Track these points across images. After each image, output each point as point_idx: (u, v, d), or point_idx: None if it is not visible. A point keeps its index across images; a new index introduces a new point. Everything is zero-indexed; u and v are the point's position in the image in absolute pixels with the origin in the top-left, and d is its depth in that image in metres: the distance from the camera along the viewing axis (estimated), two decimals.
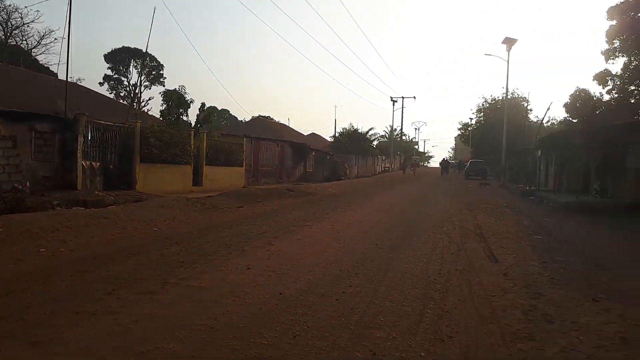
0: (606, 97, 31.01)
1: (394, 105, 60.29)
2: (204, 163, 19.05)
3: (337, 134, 52.30)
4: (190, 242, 8.15)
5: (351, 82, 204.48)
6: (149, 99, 26.75)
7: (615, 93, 29.78)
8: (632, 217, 12.92)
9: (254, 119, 55.89)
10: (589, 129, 21.84)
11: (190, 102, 27.55)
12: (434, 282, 5.93)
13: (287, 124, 59.70)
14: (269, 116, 63.96)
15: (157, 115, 28.37)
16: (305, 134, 56.95)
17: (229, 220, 11.03)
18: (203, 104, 25.73)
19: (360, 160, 50.04)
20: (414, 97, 62.37)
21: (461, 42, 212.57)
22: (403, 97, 61.12)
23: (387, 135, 68.96)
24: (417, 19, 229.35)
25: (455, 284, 5.87)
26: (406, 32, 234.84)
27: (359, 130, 50.93)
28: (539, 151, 25.00)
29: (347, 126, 51.78)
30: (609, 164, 17.59)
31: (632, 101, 28.42)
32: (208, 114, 25.26)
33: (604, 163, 18.05)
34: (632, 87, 28.73)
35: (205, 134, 20.19)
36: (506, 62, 34.07)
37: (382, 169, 60.97)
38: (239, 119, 66.75)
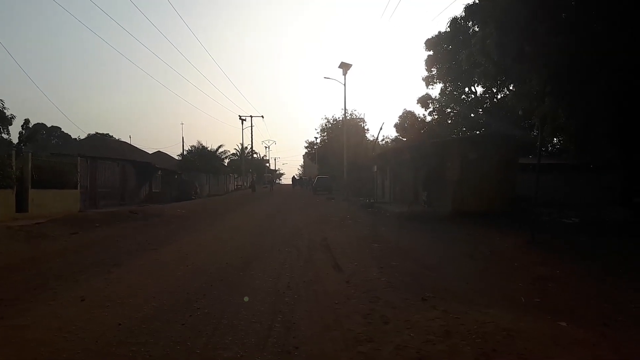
0: (429, 118, 35.27)
1: (242, 123, 60.50)
2: (30, 186, 16.85)
3: (185, 152, 50.66)
4: (10, 276, 7.14)
5: (199, 100, 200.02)
6: None
7: (436, 114, 34.06)
8: (451, 224, 14.79)
9: (90, 137, 51.24)
10: (414, 146, 24.49)
11: (11, 118, 24.31)
12: (282, 295, 6.07)
13: (129, 142, 55.99)
14: (107, 134, 59.35)
15: None
16: (150, 152, 53.93)
17: (60, 249, 9.91)
18: (27, 121, 22.83)
19: (212, 179, 49.11)
20: (262, 116, 63.38)
21: (305, 65, 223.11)
22: (252, 116, 61.70)
23: (238, 154, 68.88)
24: (263, 42, 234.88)
25: (303, 295, 6.08)
26: (253, 54, 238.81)
27: (209, 149, 50.04)
28: (375, 167, 27.27)
29: (195, 144, 50.46)
30: (432, 177, 19.91)
31: (449, 122, 32.73)
32: (34, 131, 22.52)
33: (428, 176, 20.37)
34: (449, 110, 33.12)
35: (30, 153, 17.90)
36: (343, 85, 36.60)
37: (235, 187, 60.56)
38: (73, 136, 60.69)
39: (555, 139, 24.79)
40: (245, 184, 62.99)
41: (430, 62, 31.93)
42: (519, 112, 14.02)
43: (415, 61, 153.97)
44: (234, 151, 71.08)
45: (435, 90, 34.13)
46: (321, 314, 5.25)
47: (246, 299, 5.83)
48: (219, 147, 52.98)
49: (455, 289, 6.55)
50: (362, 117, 54.38)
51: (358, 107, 79.22)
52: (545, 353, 4.16)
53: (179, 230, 13.65)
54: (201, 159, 47.42)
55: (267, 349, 4.16)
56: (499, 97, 29.74)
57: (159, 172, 35.56)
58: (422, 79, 33.27)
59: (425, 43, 31.40)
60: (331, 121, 56.66)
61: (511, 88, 15.96)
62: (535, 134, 14.47)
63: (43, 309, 5.36)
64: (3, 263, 8.27)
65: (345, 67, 35.71)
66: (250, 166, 69.25)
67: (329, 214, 19.36)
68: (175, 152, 62.90)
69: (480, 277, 7.42)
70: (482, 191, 17.06)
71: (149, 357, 3.93)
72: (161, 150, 58.39)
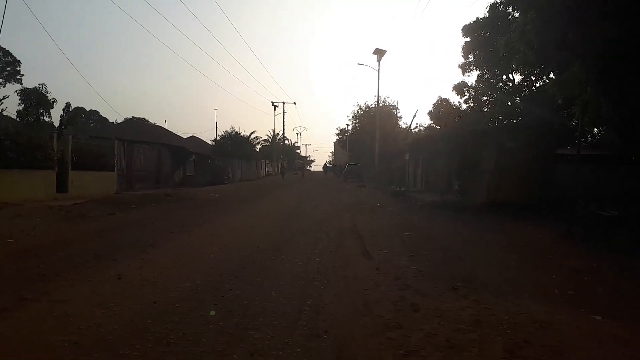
0: (464, 106, 34.55)
1: (275, 109, 60.90)
2: (70, 168, 17.46)
3: (218, 138, 51.37)
4: (53, 253, 7.44)
5: (232, 87, 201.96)
6: (3, 98, 23.69)
7: (471, 102, 33.32)
8: (485, 214, 14.55)
9: (127, 121, 52.57)
10: (449, 134, 24.10)
11: (53, 102, 25.11)
12: (312, 280, 6.13)
13: (165, 127, 57.17)
14: (144, 118, 60.71)
15: (14, 116, 25.41)
16: (185, 137, 55.02)
17: (98, 229, 10.26)
18: (68, 104, 23.63)
19: (244, 164, 49.72)
20: (294, 103, 64.00)
21: (339, 51, 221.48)
22: (284, 103, 62.07)
23: (270, 140, 69.41)
24: (296, 28, 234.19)
25: (332, 280, 6.13)
26: (287, 40, 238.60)
27: (241, 134, 50.61)
28: (407, 155, 27.00)
29: (229, 130, 51.08)
30: (465, 166, 19.57)
31: (485, 110, 31.98)
32: (74, 115, 23.26)
33: (461, 165, 20.03)
34: (485, 97, 32.34)
35: (70, 136, 18.53)
36: (377, 72, 36.26)
37: (266, 173, 61.17)
38: (110, 120, 62.34)
39: (595, 129, 23.93)
40: (276, 170, 63.53)
41: (467, 49, 31.19)
42: (559, 101, 13.55)
43: (451, 48, 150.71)
44: (266, 137, 71.68)
45: (472, 78, 33.39)
46: (351, 299, 5.28)
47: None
48: (252, 133, 53.69)
49: (487, 279, 6.46)
50: (395, 104, 53.89)
51: (391, 95, 78.39)
52: (578, 346, 4.07)
53: (212, 214, 13.91)
54: (234, 144, 48.03)
55: (297, 332, 4.22)
56: (537, 85, 28.84)
57: (193, 157, 36.20)
58: (459, 66, 32.58)
59: (462, 29, 30.66)
60: (363, 108, 56.33)
61: (551, 76, 15.42)
62: (574, 123, 13.98)
63: (83, 286, 5.58)
64: (46, 241, 8.62)
65: (379, 53, 35.38)
66: (281, 152, 69.74)
67: (359, 201, 19.36)
68: (209, 137, 64.03)
69: (513, 268, 7.30)
70: (518, 181, 16.66)
71: (182, 335, 4.05)
72: (195, 135, 59.51)
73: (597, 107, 10.70)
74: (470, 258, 8.02)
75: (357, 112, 57.14)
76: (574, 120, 15.70)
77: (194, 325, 4.31)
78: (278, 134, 68.73)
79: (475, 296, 5.49)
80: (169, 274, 6.23)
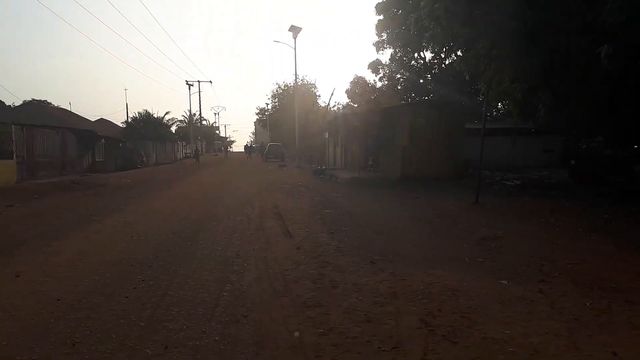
0: (379, 84, 35.36)
1: (190, 89, 58.58)
2: None
3: (130, 120, 48.62)
4: None
5: (144, 65, 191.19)
6: None
7: (386, 80, 34.18)
8: (400, 188, 15.09)
9: (26, 104, 48.08)
10: (365, 112, 24.57)
11: None
12: (231, 264, 5.98)
13: (69, 109, 53.08)
14: (45, 100, 55.88)
15: None
16: (93, 120, 51.45)
17: None
18: None
19: (159, 146, 47.56)
20: (210, 82, 61.48)
21: (253, 28, 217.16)
22: (199, 81, 59.79)
23: (186, 121, 66.87)
24: (210, 5, 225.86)
25: (252, 263, 6.02)
26: (200, 16, 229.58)
27: (155, 115, 48.23)
28: (327, 133, 27.23)
29: (141, 111, 48.42)
30: (381, 143, 20.12)
31: (399, 87, 32.98)
32: None
33: (377, 142, 20.56)
34: (398, 76, 33.31)
35: None
36: (294, 49, 35.92)
37: (184, 155, 59.02)
38: (7, 104, 56.77)
39: (500, 104, 25.54)
40: (193, 152, 61.56)
41: (380, 27, 31.75)
42: (466, 77, 14.26)
43: (366, 26, 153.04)
44: (182, 118, 68.98)
45: (386, 56, 34.24)
46: (270, 281, 5.21)
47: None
48: (166, 113, 51.10)
49: (403, 252, 6.67)
50: (314, 82, 53.94)
51: (309, 73, 78.44)
52: (487, 310, 4.32)
53: (124, 200, 13.17)
54: (147, 126, 45.64)
55: (215, 319, 4.09)
56: (447, 63, 30.12)
57: (103, 141, 34.00)
58: (373, 44, 33.16)
59: (375, 7, 31.09)
60: (282, 87, 55.82)
61: (459, 53, 16.16)
62: (481, 99, 14.81)
63: None
64: None
65: (295, 30, 34.93)
66: (199, 133, 67.53)
67: (280, 182, 19.25)
68: (119, 119, 60.28)
69: (427, 239, 7.60)
70: (430, 156, 17.44)
71: (89, 333, 3.77)
72: (104, 117, 55.85)
73: (499, 82, 11.35)
74: (387, 232, 8.25)
75: (277, 91, 56.57)
76: (480, 95, 16.58)
77: (102, 321, 4.03)
78: (195, 114, 66.37)
79: (391, 269, 5.65)
80: (75, 268, 5.79)
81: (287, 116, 46.06)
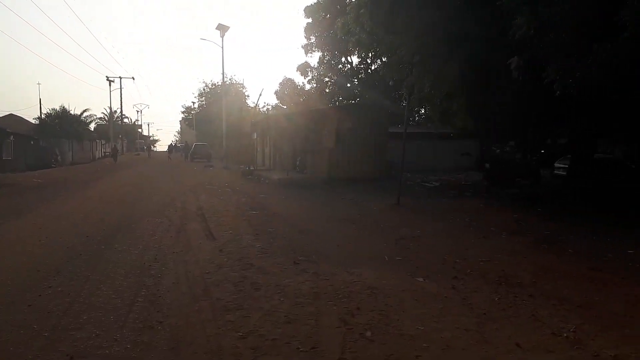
0: (308, 86, 35.67)
1: (110, 85, 55.71)
2: None
3: (43, 116, 45.34)
4: None
5: (61, 60, 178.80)
6: None
7: (314, 83, 34.52)
8: (327, 189, 15.28)
9: None
10: (293, 114, 24.66)
11: None
12: (148, 268, 5.74)
13: None
14: None
15: None
16: (0, 116, 47.44)
17: None
18: None
19: (76, 145, 44.77)
20: (133, 78, 59.04)
21: (181, 25, 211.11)
22: (121, 77, 57.04)
23: (106, 118, 63.49)
24: (136, 1, 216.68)
25: (171, 267, 5.81)
26: (123, 11, 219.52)
27: (72, 112, 45.34)
28: (255, 134, 27.00)
29: (56, 107, 45.32)
30: (309, 145, 20.27)
31: (327, 90, 33.42)
32: None
33: (305, 144, 20.70)
34: (327, 79, 33.76)
35: None
36: (221, 48, 35.30)
37: (103, 154, 55.99)
38: None
39: (421, 109, 26.63)
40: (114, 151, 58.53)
41: (309, 30, 32.03)
42: (390, 83, 14.74)
43: (296, 28, 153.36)
44: (102, 115, 65.49)
45: (315, 59, 34.54)
46: (190, 285, 5.06)
47: None
48: (84, 110, 48.26)
49: (327, 252, 6.74)
50: (242, 82, 53.22)
51: (238, 72, 77.28)
52: (403, 307, 4.47)
53: (35, 202, 12.23)
54: (63, 123, 42.78)
55: (127, 326, 3.90)
56: (372, 68, 30.93)
57: (11, 138, 31.48)
58: (302, 46, 33.38)
59: (304, 10, 31.36)
60: (210, 86, 54.62)
61: (384, 59, 16.69)
62: (404, 104, 15.39)
63: None
64: None
65: (222, 29, 34.28)
66: (120, 132, 64.38)
67: (206, 182, 18.79)
68: (31, 115, 55.98)
69: (350, 239, 7.75)
70: (356, 158, 17.85)
71: None
72: (14, 113, 51.69)
73: (420, 89, 11.85)
74: (312, 232, 8.31)
75: (204, 89, 55.29)
76: (403, 100, 17.22)
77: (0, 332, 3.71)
78: (116, 111, 63.21)
79: (314, 269, 5.69)
80: None
81: (215, 115, 45.05)
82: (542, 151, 21.42)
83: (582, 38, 7.54)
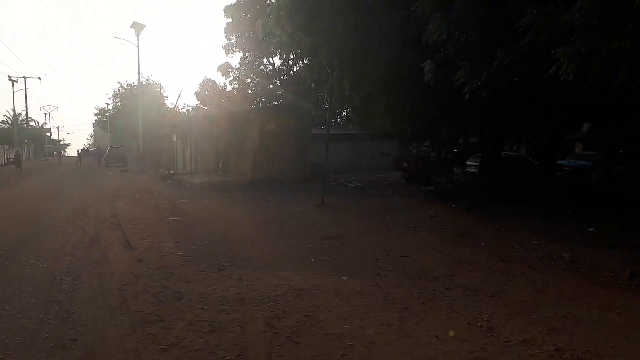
0: (230, 87, 35.09)
1: (13, 85, 51.39)
2: None
3: None
4: None
5: None
6: None
7: (236, 84, 34.05)
8: (251, 192, 15.13)
9: None
10: (215, 115, 24.14)
11: None
12: (60, 282, 5.36)
13: None
14: None
15: None
16: None
17: None
18: None
19: None
20: (39, 78, 54.98)
21: (93, 23, 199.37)
22: (25, 77, 52.86)
23: (9, 122, 58.45)
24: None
25: (85, 280, 5.47)
26: (31, 7, 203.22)
27: None
28: (175, 136, 26.15)
29: None
30: (232, 147, 19.99)
31: (250, 91, 33.11)
32: None
33: (228, 146, 20.38)
34: (249, 80, 33.44)
35: None
36: (137, 47, 33.85)
37: (6, 161, 51.43)
38: None
39: (343, 111, 27.20)
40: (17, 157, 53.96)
41: (229, 30, 31.54)
42: (312, 85, 14.90)
43: (216, 27, 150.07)
44: (4, 118, 60.26)
45: (236, 59, 34.12)
46: (106, 298, 4.79)
47: None
48: None
49: (252, 256, 6.68)
50: (160, 83, 51.42)
51: (155, 73, 74.19)
52: (329, 307, 4.53)
53: None
54: None
55: (36, 347, 3.62)
56: (294, 69, 31.08)
57: None
58: (222, 46, 32.78)
59: (224, 10, 30.78)
60: (125, 86, 52.18)
61: (305, 61, 16.82)
62: (326, 105, 15.62)
63: None
64: None
65: (138, 27, 32.89)
66: (25, 136, 59.57)
67: (122, 188, 17.88)
68: None
69: (276, 242, 7.73)
70: (280, 160, 17.86)
71: None
72: None
73: (341, 91, 12.07)
74: (236, 237, 8.18)
75: (119, 90, 52.72)
76: (325, 102, 17.47)
77: None
78: (20, 114, 58.42)
79: (239, 274, 5.62)
80: None
81: (131, 118, 43.11)
82: (455, 150, 22.64)
83: (487, 43, 8.06)
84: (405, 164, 19.66)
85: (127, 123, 45.88)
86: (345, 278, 5.55)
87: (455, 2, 7.96)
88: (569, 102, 9.42)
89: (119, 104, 52.88)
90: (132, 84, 50.51)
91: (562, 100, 9.52)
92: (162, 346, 3.64)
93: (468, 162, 19.30)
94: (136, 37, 33.41)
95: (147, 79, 48.41)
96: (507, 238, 8.08)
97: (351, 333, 3.94)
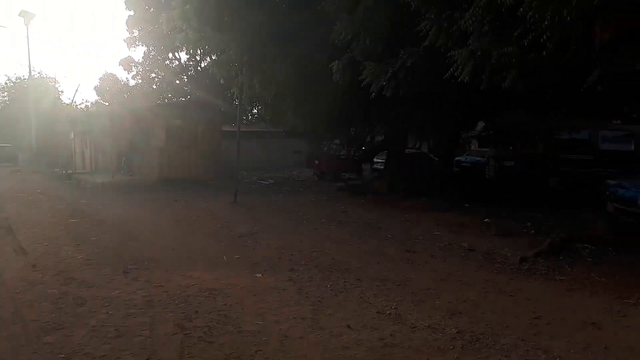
0: (133, 82, 33.35)
1: None
2: None
3: None
4: None
5: None
6: None
7: (140, 79, 32.45)
8: (158, 192, 14.51)
9: None
10: (117, 112, 22.89)
11: None
12: None
13: None
14: None
15: None
16: None
17: None
18: None
19: None
20: None
21: None
22: None
23: None
24: None
25: None
26: None
27: None
28: (72, 133, 24.39)
29: None
30: (136, 145, 19.04)
31: (154, 87, 31.71)
32: None
33: (131, 143, 19.39)
34: (153, 75, 32.01)
35: None
36: (26, 38, 31.09)
37: None
38: None
39: (254, 108, 26.99)
40: None
41: (131, 23, 29.92)
42: (221, 81, 14.61)
43: (116, 20, 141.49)
44: None
45: (139, 53, 32.51)
46: None
47: None
48: None
49: (161, 257, 6.43)
50: (54, 77, 47.50)
51: (49, 66, 68.19)
52: (242, 305, 4.51)
53: None
54: None
55: None
56: (202, 65, 30.26)
57: None
58: (124, 40, 31.05)
59: (125, 2, 29.12)
60: (14, 80, 47.53)
61: (213, 57, 16.41)
62: (236, 102, 15.40)
63: None
64: None
65: (27, 16, 30.16)
66: None
67: (13, 190, 16.31)
68: None
69: (186, 242, 7.51)
70: (189, 158, 17.33)
71: None
72: None
73: (251, 88, 11.96)
74: (143, 238, 7.83)
75: (6, 84, 47.88)
76: (235, 99, 17.20)
77: None
78: None
79: (147, 277, 5.39)
80: None
81: (21, 114, 39.38)
82: (364, 148, 23.41)
83: (392, 44, 8.45)
84: (317, 162, 19.98)
85: (18, 119, 41.86)
86: (259, 275, 5.55)
87: (360, 4, 8.24)
88: (465, 102, 10.14)
89: (6, 98, 48.08)
90: (22, 77, 46.17)
91: (460, 100, 10.22)
92: (63, 355, 3.40)
93: (375, 160, 20.04)
94: (25, 27, 30.66)
95: (39, 72, 44.46)
96: (412, 230, 8.55)
97: (265, 329, 3.96)
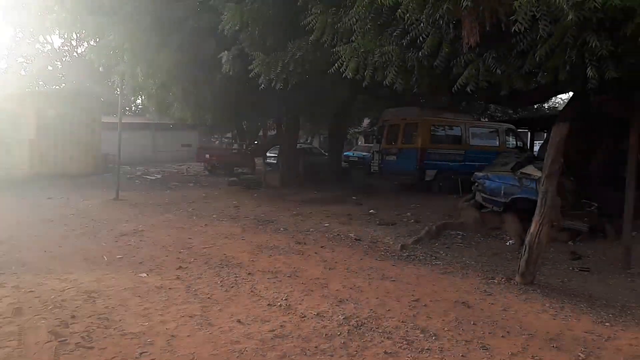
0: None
1: None
2: None
3: None
4: None
5: None
6: None
7: (6, 64, 28.98)
8: (29, 188, 13.10)
9: None
10: None
11: None
12: None
13: None
14: None
15: None
16: None
17: None
18: None
19: None
20: None
21: None
22: None
23: None
24: None
25: None
26: None
27: None
28: None
29: None
30: (2, 135, 17.03)
31: (23, 73, 28.57)
32: None
33: None
34: (21, 59, 28.77)
35: None
36: None
37: None
38: None
39: (138, 98, 25.46)
40: None
41: None
42: (100, 69, 13.53)
43: None
44: None
45: (5, 36, 28.98)
46: None
47: None
48: None
49: (31, 260, 5.83)
50: None
51: None
52: (125, 306, 4.28)
53: None
54: None
55: None
56: (79, 51, 27.89)
57: None
58: None
59: None
60: None
61: (91, 42, 15.11)
62: (117, 92, 14.38)
63: None
64: None
65: None
66: None
67: None
68: None
69: (61, 242, 6.87)
70: (65, 151, 15.93)
71: None
72: None
73: (133, 77, 11.27)
74: (10, 240, 6.97)
75: None
76: (117, 88, 16.08)
77: None
78: None
79: (15, 282, 4.88)
80: None
81: None
82: (256, 142, 23.33)
83: (281, 37, 8.48)
84: (207, 156, 19.51)
85: None
86: (144, 275, 5.29)
87: None
88: (352, 98, 10.57)
89: None
90: None
91: (349, 96, 10.63)
92: None
93: (267, 154, 20.10)
94: None
95: None
96: (303, 222, 8.73)
97: (151, 330, 3.80)
